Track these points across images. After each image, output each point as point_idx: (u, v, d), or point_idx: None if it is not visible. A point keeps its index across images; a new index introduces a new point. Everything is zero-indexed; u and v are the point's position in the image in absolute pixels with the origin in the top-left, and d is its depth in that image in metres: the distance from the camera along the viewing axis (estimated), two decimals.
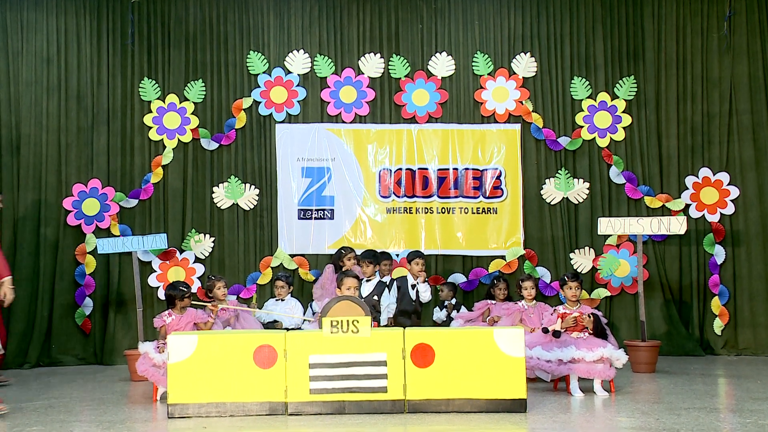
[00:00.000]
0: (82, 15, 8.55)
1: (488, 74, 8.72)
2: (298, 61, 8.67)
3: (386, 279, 7.18)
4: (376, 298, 6.54)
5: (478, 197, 8.62)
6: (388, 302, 6.79)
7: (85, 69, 8.52)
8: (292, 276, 7.98)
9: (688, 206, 8.54)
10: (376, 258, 6.96)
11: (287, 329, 6.12)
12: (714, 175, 8.55)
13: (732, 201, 8.51)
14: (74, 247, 8.31)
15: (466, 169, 8.65)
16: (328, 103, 8.66)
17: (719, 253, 8.46)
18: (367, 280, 6.72)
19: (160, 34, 8.61)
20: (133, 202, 8.44)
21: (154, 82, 8.56)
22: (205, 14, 8.67)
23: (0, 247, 6.11)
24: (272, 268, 8.38)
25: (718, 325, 8.40)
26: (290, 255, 8.43)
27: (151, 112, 8.52)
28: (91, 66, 8.53)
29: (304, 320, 6.91)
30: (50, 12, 8.53)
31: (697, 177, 8.57)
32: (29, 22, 8.50)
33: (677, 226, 7.57)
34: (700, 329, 8.48)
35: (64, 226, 8.34)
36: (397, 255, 8.42)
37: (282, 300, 7.26)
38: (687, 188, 8.57)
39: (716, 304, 8.42)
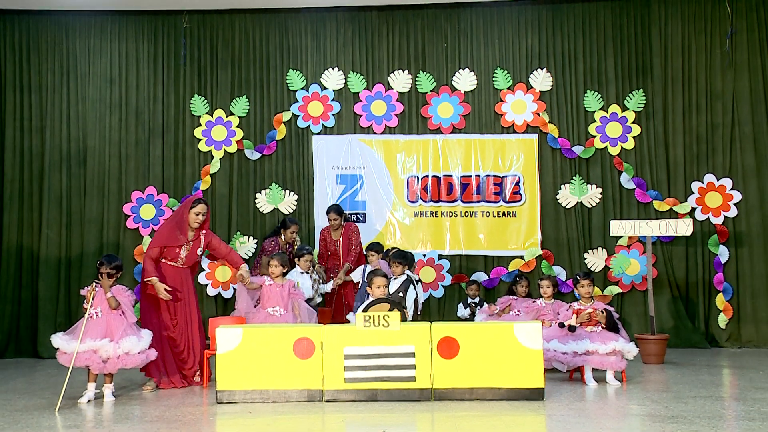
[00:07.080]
0: (140, 40, 8.70)
1: (507, 88, 8.67)
2: (333, 78, 8.71)
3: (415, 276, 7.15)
4: (401, 294, 6.50)
5: (499, 201, 8.57)
6: (414, 297, 6.71)
7: (143, 88, 8.66)
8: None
9: (694, 209, 8.41)
10: (405, 258, 6.91)
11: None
12: (718, 180, 8.40)
13: (735, 205, 8.35)
14: (133, 248, 8.44)
15: (488, 175, 8.61)
16: (361, 116, 8.68)
17: (723, 253, 8.32)
18: (395, 278, 6.66)
19: (208, 55, 8.72)
20: None
21: (203, 98, 8.66)
22: (249, 37, 8.75)
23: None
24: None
25: (722, 320, 8.25)
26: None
27: (200, 125, 8.62)
28: (148, 85, 8.66)
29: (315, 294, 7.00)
30: (113, 38, 8.69)
31: (702, 182, 8.43)
32: (95, 47, 8.67)
33: (684, 227, 7.45)
34: (705, 323, 8.33)
35: (124, 229, 8.48)
36: (424, 255, 8.41)
37: (306, 273, 7.08)
38: (693, 193, 8.43)
39: (720, 300, 8.27)
